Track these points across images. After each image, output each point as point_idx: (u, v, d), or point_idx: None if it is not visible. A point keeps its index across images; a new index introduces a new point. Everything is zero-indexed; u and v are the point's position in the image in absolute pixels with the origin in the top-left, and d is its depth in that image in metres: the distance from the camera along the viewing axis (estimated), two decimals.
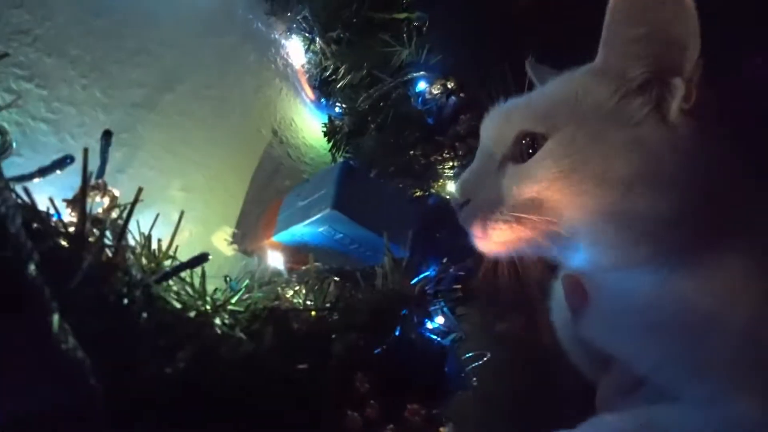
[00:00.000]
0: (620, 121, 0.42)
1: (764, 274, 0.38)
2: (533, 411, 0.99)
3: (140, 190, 0.42)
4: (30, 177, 0.38)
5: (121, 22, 0.80)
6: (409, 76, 0.99)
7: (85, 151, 0.36)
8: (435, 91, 0.98)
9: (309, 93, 1.13)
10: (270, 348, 0.42)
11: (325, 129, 1.04)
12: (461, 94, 0.96)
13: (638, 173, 0.40)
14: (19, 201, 0.38)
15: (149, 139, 0.77)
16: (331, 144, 1.03)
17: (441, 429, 0.54)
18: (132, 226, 0.51)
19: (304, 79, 1.13)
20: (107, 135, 0.47)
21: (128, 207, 0.44)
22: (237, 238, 0.79)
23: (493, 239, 0.46)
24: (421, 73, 0.99)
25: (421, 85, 0.98)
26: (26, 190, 0.35)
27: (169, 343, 0.37)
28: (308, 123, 1.08)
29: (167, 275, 0.40)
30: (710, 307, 0.38)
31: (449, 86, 0.95)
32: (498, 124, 0.49)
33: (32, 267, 0.27)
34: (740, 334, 0.36)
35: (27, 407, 0.26)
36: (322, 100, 1.12)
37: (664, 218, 0.40)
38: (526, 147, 0.45)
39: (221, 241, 0.78)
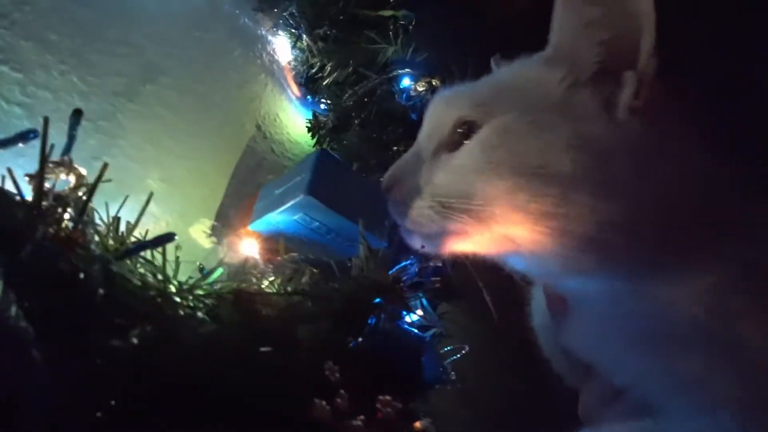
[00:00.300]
0: (566, 113, 0.38)
1: (750, 281, 0.35)
2: (519, 410, 0.97)
3: (105, 165, 0.41)
4: None
5: (103, 11, 0.79)
6: (394, 73, 0.99)
7: (46, 119, 0.35)
8: (420, 89, 0.98)
9: (294, 90, 1.13)
10: (233, 330, 0.40)
11: (309, 125, 1.03)
12: None
13: (580, 173, 0.36)
14: None
15: (129, 129, 0.76)
16: (315, 140, 1.02)
17: (417, 423, 0.53)
18: (103, 210, 0.50)
19: (290, 76, 1.13)
20: (77, 113, 0.46)
21: (93, 184, 0.43)
22: (216, 231, 0.78)
23: (417, 229, 0.42)
24: (406, 70, 0.99)
25: (406, 82, 0.98)
26: None
27: (125, 321, 0.35)
28: (293, 119, 1.07)
29: (128, 252, 0.39)
30: (691, 317, 0.35)
31: (434, 84, 0.95)
32: (437, 110, 0.46)
33: None
34: (723, 344, 0.34)
35: None
36: (308, 97, 1.12)
37: (610, 224, 0.36)
38: (461, 135, 0.42)
39: (199, 233, 0.76)
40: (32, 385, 0.26)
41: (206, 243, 0.76)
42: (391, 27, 1.01)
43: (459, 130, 0.42)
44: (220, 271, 0.52)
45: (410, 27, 1.02)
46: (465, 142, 0.41)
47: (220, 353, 0.37)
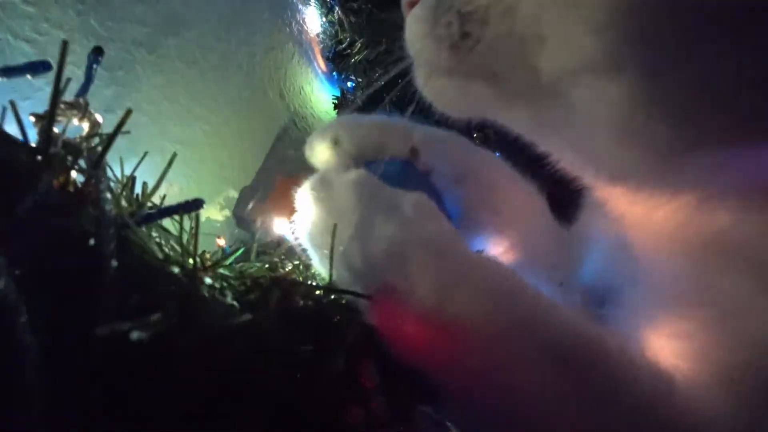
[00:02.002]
0: None
1: None
2: None
3: (129, 111, 0.34)
4: None
5: None
6: None
7: (64, 43, 0.29)
8: None
9: (321, 64, 1.07)
10: (271, 322, 0.35)
11: (335, 101, 0.98)
12: None
13: None
14: None
15: (147, 82, 0.69)
16: None
17: None
18: (116, 167, 0.44)
19: (317, 49, 1.07)
20: (97, 50, 0.39)
21: (112, 133, 0.36)
22: (230, 203, 0.72)
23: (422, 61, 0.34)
24: None
25: None
26: None
27: (143, 300, 0.29)
28: (317, 94, 1.01)
29: (151, 217, 0.32)
30: None
31: None
32: None
33: None
34: None
35: None
36: (334, 73, 1.06)
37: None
38: None
39: (213, 204, 0.70)
40: (22, 377, 0.20)
41: (219, 216, 0.71)
42: None
43: None
44: (241, 248, 0.47)
45: None
46: None
47: (252, 347, 0.31)
